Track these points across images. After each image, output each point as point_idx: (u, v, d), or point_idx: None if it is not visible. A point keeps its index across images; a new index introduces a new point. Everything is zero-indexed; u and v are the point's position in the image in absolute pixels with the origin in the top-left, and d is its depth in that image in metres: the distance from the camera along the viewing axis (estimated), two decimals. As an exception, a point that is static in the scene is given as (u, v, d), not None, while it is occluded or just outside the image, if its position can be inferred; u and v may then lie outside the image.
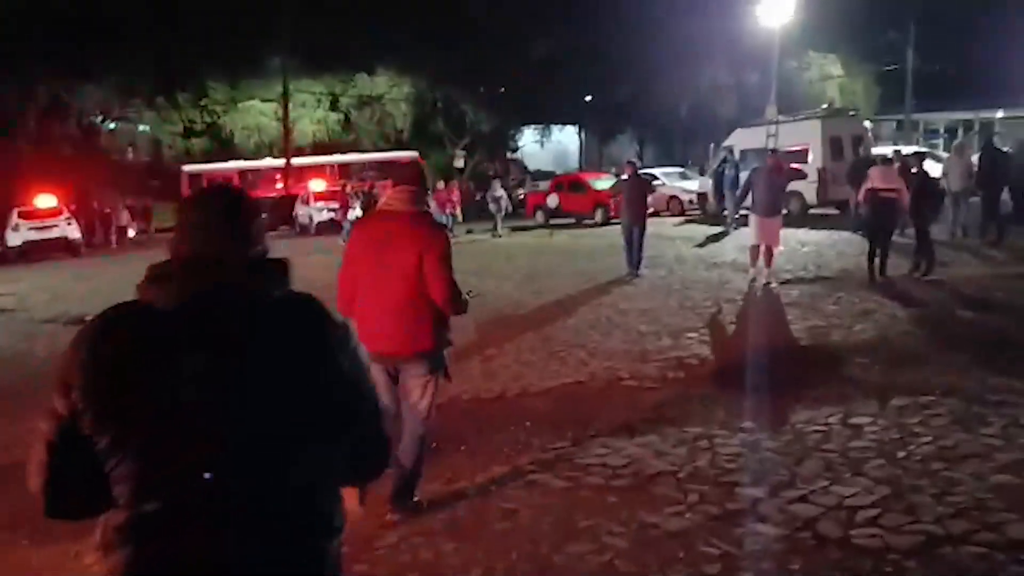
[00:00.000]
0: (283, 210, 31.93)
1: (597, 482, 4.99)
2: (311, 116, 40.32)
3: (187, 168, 35.96)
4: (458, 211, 26.08)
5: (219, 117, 40.04)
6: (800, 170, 13.56)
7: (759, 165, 12.02)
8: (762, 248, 11.58)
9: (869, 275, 11.32)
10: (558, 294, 12.10)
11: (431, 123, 42.32)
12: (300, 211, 31.77)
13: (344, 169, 36.36)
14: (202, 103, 39.47)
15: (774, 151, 12.25)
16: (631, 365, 7.70)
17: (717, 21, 34.57)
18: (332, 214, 29.19)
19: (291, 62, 36.03)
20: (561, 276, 14.04)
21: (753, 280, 11.58)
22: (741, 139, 24.15)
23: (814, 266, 12.98)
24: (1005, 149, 16.09)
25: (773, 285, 11.25)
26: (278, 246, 1.92)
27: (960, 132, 42.69)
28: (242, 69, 37.56)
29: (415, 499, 4.70)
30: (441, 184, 25.33)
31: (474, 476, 5.23)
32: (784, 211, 12.68)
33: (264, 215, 2.02)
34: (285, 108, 36.91)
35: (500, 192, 25.36)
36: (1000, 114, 44.84)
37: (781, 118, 23.43)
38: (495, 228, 24.36)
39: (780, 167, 12.18)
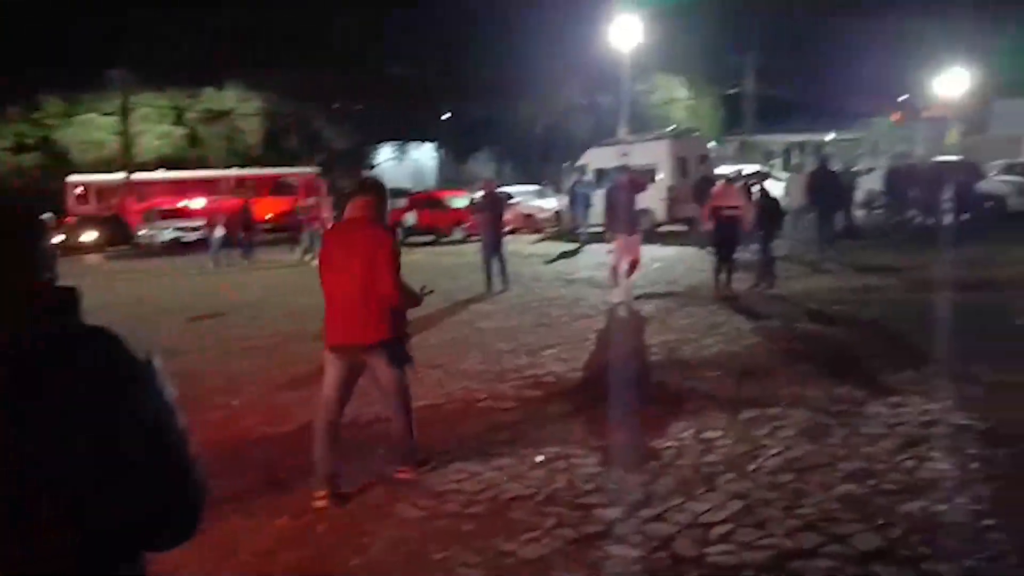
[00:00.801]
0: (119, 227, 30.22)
1: (453, 509, 4.79)
2: (154, 131, 38.45)
3: (72, 179, 33.70)
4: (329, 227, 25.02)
5: (53, 131, 37.57)
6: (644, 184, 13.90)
7: (614, 183, 12.18)
8: (624, 264, 11.71)
9: (716, 290, 11.69)
10: (414, 313, 11.83)
11: (284, 139, 41.21)
12: (144, 229, 30.12)
13: (211, 185, 34.25)
14: (34, 116, 36.96)
15: (627, 169, 12.46)
16: (488, 385, 7.56)
17: (572, 44, 35.42)
18: (180, 233, 27.81)
19: (133, 75, 34.25)
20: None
21: (619, 301, 11.55)
22: (595, 158, 24.69)
23: (665, 281, 13.31)
24: (835, 169, 17.10)
25: (628, 300, 11.41)
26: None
27: (798, 153, 45.32)
28: (80, 82, 35.42)
29: (420, 458, 5.31)
30: (312, 200, 24.52)
31: (324, 509, 4.93)
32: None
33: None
34: (124, 121, 35.00)
35: None
36: (831, 136, 47.94)
37: (632, 138, 24.12)
38: None
39: (635, 184, 12.43)
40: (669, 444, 5.61)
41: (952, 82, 39.31)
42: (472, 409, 6.90)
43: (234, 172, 35.83)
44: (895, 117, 47.09)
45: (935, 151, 31.45)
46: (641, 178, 14.72)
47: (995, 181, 20.34)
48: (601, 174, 23.75)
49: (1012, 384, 6.52)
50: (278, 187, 34.00)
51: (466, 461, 5.53)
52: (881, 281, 12.35)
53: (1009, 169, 23.45)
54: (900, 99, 47.88)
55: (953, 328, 8.79)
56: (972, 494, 4.42)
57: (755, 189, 12.66)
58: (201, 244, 26.27)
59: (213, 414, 7.16)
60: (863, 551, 3.88)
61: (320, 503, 4.90)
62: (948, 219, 16.64)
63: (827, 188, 15.46)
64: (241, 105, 39.09)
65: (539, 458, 5.47)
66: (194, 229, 28.31)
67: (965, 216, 16.70)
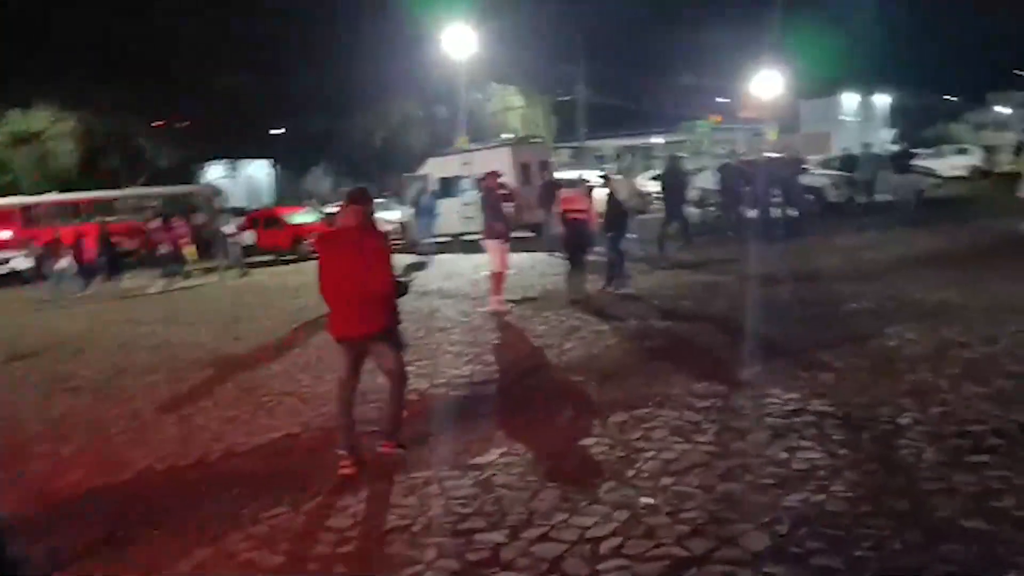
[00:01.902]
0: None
1: (323, 551, 4.42)
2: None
3: None
4: (189, 248, 22.35)
5: None
6: (509, 193, 13.72)
7: (487, 193, 11.93)
8: (496, 273, 11.46)
9: (570, 293, 11.72)
10: (261, 338, 11.23)
11: (103, 159, 38.60)
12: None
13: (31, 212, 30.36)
14: None
15: (493, 174, 12.25)
16: (348, 409, 7.15)
17: (406, 56, 35.16)
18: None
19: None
20: (263, 318, 13.13)
21: (499, 310, 11.28)
22: (435, 168, 24.51)
23: (519, 288, 13.23)
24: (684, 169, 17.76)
25: (501, 309, 11.15)
26: None
27: (629, 157, 46.91)
28: None
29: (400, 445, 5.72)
30: (159, 220, 22.71)
31: (176, 564, 4.44)
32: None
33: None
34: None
35: (232, 228, 22.62)
36: (659, 140, 49.95)
37: (473, 146, 24.10)
38: (227, 268, 21.41)
39: (504, 191, 12.30)
40: (543, 456, 5.43)
41: (765, 85, 41.80)
42: (330, 437, 6.47)
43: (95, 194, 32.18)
44: (715, 119, 49.66)
45: (755, 149, 33.29)
46: (513, 185, 14.65)
47: (814, 175, 21.63)
48: (446, 183, 23.61)
49: (858, 368, 6.78)
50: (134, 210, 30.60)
51: (332, 495, 5.16)
52: (723, 276, 12.77)
53: (825, 164, 25.07)
54: (720, 101, 50.57)
55: (795, 317, 9.14)
56: (846, 481, 4.48)
57: (603, 192, 12.81)
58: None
59: (36, 464, 6.42)
60: (754, 552, 3.82)
61: (347, 471, 5.46)
62: (777, 213, 17.51)
63: (676, 188, 16.00)
64: (53, 126, 36.26)
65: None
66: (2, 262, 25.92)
67: (792, 210, 17.62)
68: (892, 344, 7.49)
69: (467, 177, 22.33)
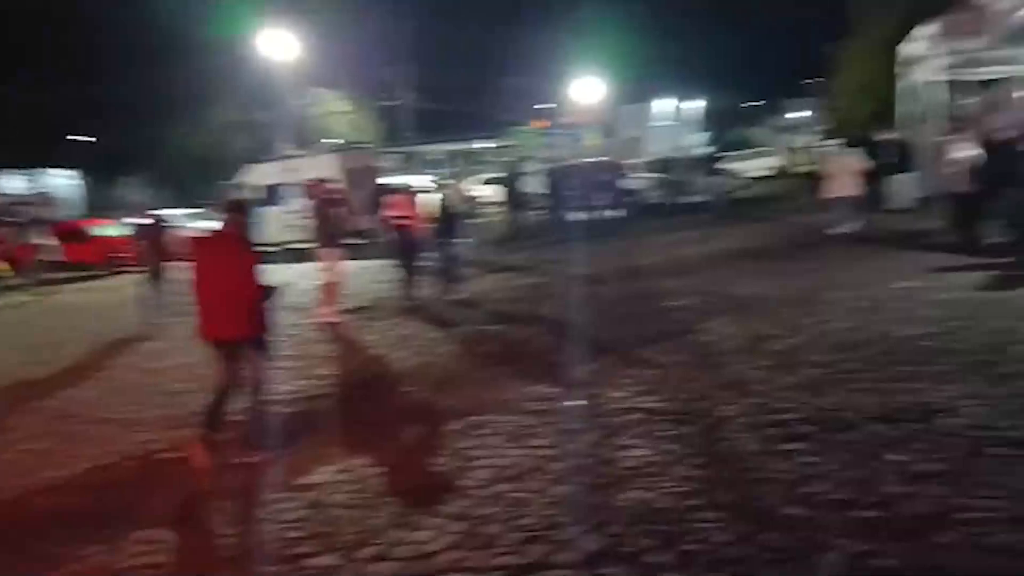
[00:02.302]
0: None
1: (140, 592, 4.09)
2: None
3: None
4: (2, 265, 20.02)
5: None
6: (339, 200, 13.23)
7: (317, 201, 11.53)
8: (330, 280, 11.09)
9: (403, 300, 11.58)
10: (73, 360, 10.38)
11: None
12: None
13: None
14: None
15: (322, 181, 11.86)
16: (169, 434, 6.69)
17: (222, 61, 33.77)
18: None
19: None
20: (73, 340, 12.16)
21: (337, 321, 10.91)
22: (257, 175, 23.65)
23: (351, 297, 12.93)
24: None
25: (334, 320, 10.82)
26: None
27: (460, 162, 47.15)
28: None
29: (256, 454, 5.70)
30: None
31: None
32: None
33: None
34: None
35: (40, 241, 20.37)
36: (487, 144, 50.49)
37: (299, 152, 23.44)
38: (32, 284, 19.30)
39: (336, 198, 11.95)
40: (378, 470, 5.30)
41: (586, 91, 43.19)
42: (153, 464, 6.06)
43: None
44: (540, 124, 50.77)
45: (579, 153, 34.31)
46: (345, 192, 14.26)
47: (634, 178, 22.57)
48: (269, 192, 22.82)
49: (681, 363, 7.06)
50: None
51: (154, 527, 4.80)
52: (553, 277, 13.02)
53: (644, 167, 26.20)
54: (543, 107, 51.78)
55: (622, 315, 9.44)
56: (674, 476, 4.63)
57: (435, 197, 12.77)
58: None
59: None
60: (588, 553, 3.86)
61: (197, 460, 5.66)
62: (604, 214, 18.11)
63: (515, 192, 16.30)
64: None
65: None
66: None
67: (617, 211, 18.29)
68: (711, 338, 7.86)
69: (291, 185, 21.68)
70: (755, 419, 5.44)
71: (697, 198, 22.90)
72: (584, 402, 6.19)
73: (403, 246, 11.82)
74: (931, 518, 3.82)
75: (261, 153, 29.08)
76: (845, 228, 14.31)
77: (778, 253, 13.30)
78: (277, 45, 29.44)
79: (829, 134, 37.54)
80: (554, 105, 50.00)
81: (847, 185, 14.60)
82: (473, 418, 6.09)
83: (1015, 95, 16.37)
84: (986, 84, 17.75)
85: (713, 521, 4.03)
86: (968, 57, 15.98)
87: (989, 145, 11.04)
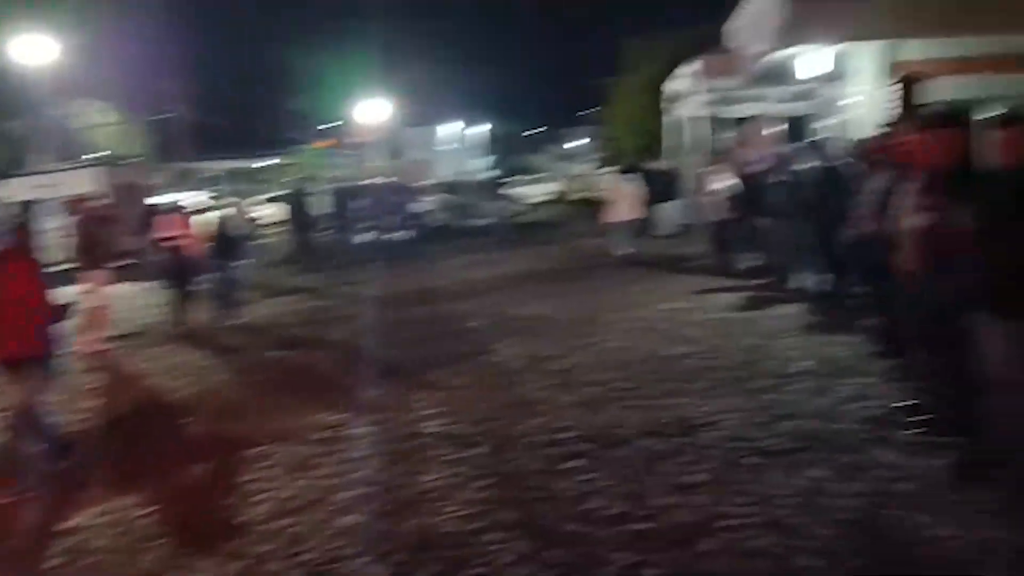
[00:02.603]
0: None
1: None
2: None
3: None
4: None
5: None
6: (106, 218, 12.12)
7: (83, 215, 10.58)
8: (94, 308, 10.16)
9: (176, 326, 10.92)
10: None
11: None
12: None
13: None
14: None
15: (87, 197, 10.92)
16: None
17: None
18: None
19: None
20: None
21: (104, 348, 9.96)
22: (9, 191, 21.54)
23: (119, 323, 12.02)
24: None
25: (86, 350, 9.93)
26: None
27: (241, 180, 45.33)
28: None
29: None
30: None
31: None
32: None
33: None
34: None
35: None
36: (269, 162, 48.93)
37: (57, 166, 21.58)
38: None
39: (106, 216, 11.03)
40: (145, 509, 4.93)
41: (373, 112, 43.01)
42: None
43: None
44: (325, 143, 49.94)
45: (364, 174, 34.05)
46: (113, 210, 13.15)
47: (422, 200, 22.70)
48: (25, 207, 20.79)
49: (467, 385, 7.15)
50: None
51: None
52: (339, 300, 12.80)
53: (431, 189, 26.42)
54: (329, 127, 50.97)
55: (409, 338, 9.43)
56: (460, 500, 4.65)
57: (211, 216, 12.15)
58: None
59: None
60: (379, 585, 3.79)
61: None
62: (391, 236, 18.03)
63: (302, 212, 15.87)
64: None
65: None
66: None
67: (404, 232, 18.29)
68: (497, 360, 8.01)
69: (48, 201, 19.90)
70: (538, 438, 5.58)
71: (482, 221, 23.41)
72: (370, 428, 6.10)
73: (176, 268, 11.15)
74: (696, 527, 4.08)
75: (13, 167, 26.52)
76: (626, 250, 15.26)
77: (559, 276, 13.83)
78: (34, 52, 26.98)
79: (604, 162, 39.72)
80: (339, 124, 49.37)
81: (626, 210, 15.62)
82: (253, 449, 5.84)
83: (765, 131, 18.09)
84: (741, 120, 19.49)
85: (498, 542, 4.08)
86: (723, 95, 17.48)
87: (743, 176, 12.09)
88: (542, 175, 46.07)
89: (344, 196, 19.59)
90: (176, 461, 5.86)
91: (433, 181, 31.75)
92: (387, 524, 4.42)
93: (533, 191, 39.33)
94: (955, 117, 4.78)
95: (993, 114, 4.38)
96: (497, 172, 39.55)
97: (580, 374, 7.24)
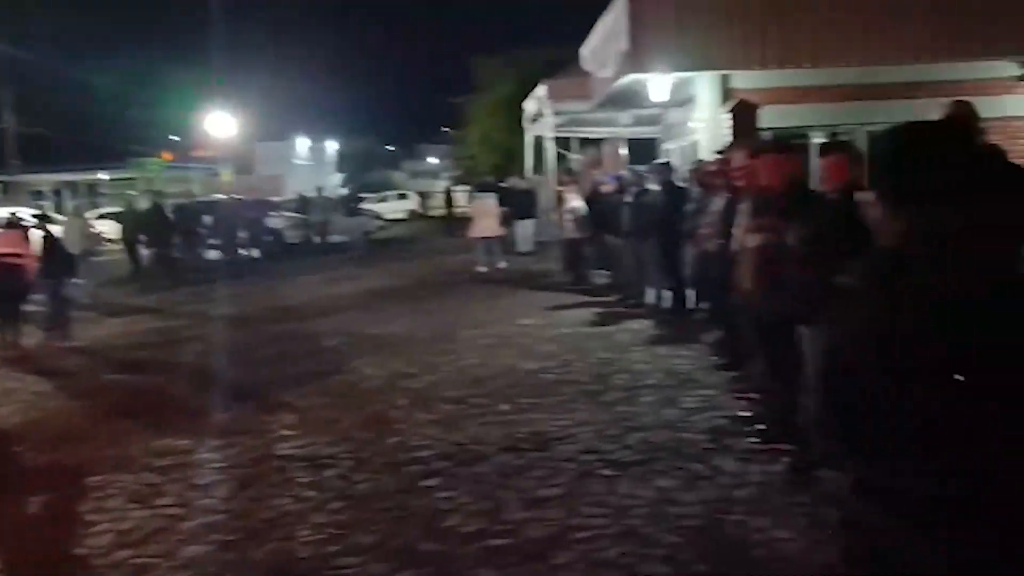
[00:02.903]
0: None
1: None
2: None
3: None
4: None
5: None
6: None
7: None
8: None
9: (4, 349, 10.17)
10: None
11: None
12: None
13: None
14: None
15: None
16: None
17: None
18: None
19: None
20: None
21: None
22: None
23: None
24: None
25: None
26: None
27: (71, 194, 42.77)
28: None
29: None
30: None
31: None
32: None
33: None
34: None
35: None
36: (105, 176, 46.37)
37: None
38: None
39: None
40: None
41: (219, 125, 41.55)
42: None
43: None
44: (167, 156, 47.83)
45: (215, 189, 32.85)
46: None
47: (273, 217, 22.10)
48: None
49: (321, 406, 7.00)
50: None
51: None
52: (185, 319, 12.28)
53: (285, 205, 25.80)
54: (174, 139, 48.91)
55: (260, 359, 9.15)
56: (313, 524, 4.54)
57: (39, 233, 11.36)
58: None
59: None
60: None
61: None
62: (242, 253, 17.45)
63: (161, 226, 15.17)
64: None
65: None
66: None
67: (256, 249, 17.74)
68: (353, 379, 7.90)
69: None
70: (394, 458, 5.55)
71: (338, 238, 23.07)
72: (218, 453, 5.88)
73: (3, 287, 10.37)
74: (551, 540, 4.16)
75: None
76: (490, 265, 15.70)
77: (417, 293, 13.79)
78: None
79: (461, 180, 40.03)
80: (186, 138, 47.48)
81: (489, 227, 16.10)
82: (91, 479, 5.50)
83: (614, 152, 18.75)
84: (592, 141, 20.13)
85: (353, 565, 4.02)
86: (575, 117, 18.01)
87: (593, 196, 12.47)
88: (399, 191, 45.93)
89: (192, 211, 18.82)
90: (9, 492, 5.45)
91: (287, 197, 31.01)
92: (237, 552, 4.27)
93: (390, 207, 39.17)
94: (783, 144, 5.12)
95: (818, 142, 4.73)
96: (354, 188, 39.10)
97: (438, 391, 7.24)
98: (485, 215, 16.29)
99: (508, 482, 4.98)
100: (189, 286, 16.13)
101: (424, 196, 43.72)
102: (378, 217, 31.29)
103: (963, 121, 3.55)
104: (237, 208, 18.16)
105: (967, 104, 3.62)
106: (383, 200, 40.55)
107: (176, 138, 48.31)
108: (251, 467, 5.56)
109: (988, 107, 10.40)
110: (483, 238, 16.11)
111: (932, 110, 4.10)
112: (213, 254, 17.68)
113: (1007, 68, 10.90)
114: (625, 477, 4.90)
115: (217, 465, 5.65)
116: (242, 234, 17.24)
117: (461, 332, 9.87)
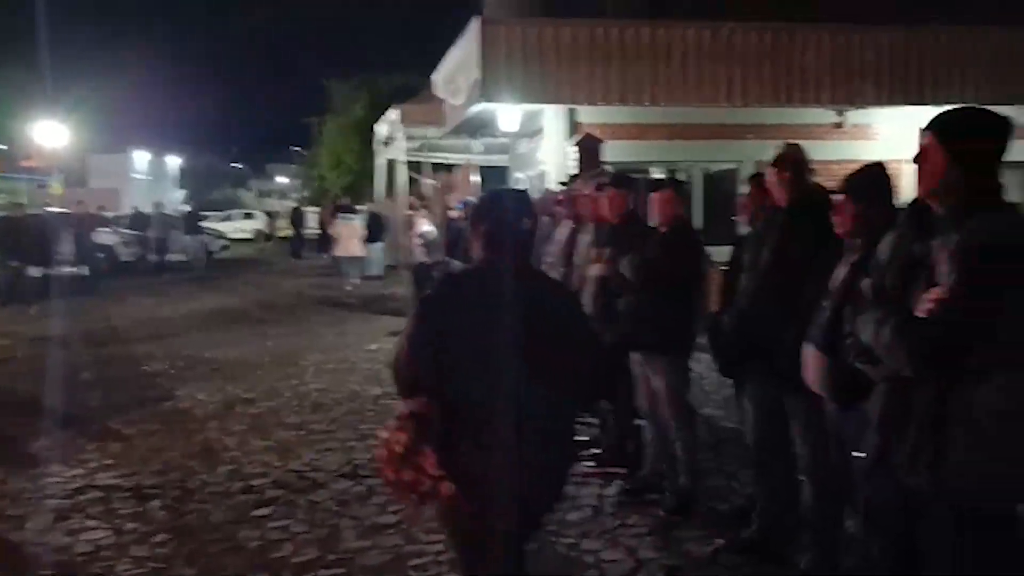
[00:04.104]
0: None
1: None
2: None
3: None
4: None
5: None
6: None
7: None
8: None
9: None
10: None
11: None
12: None
13: None
14: None
15: None
16: None
17: None
18: None
19: None
20: None
21: None
22: None
23: None
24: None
25: None
26: None
27: None
28: None
29: None
30: None
31: None
32: None
33: None
34: None
35: None
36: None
37: None
38: None
39: None
40: None
41: (49, 134, 39.01)
42: None
43: None
44: (-8, 165, 44.54)
45: (41, 201, 30.73)
46: None
47: (105, 233, 20.82)
48: None
49: (149, 433, 6.65)
50: None
51: None
52: (2, 340, 11.38)
53: (120, 221, 24.43)
54: (-1, 147, 45.56)
55: (86, 383, 8.60)
56: (134, 558, 4.30)
57: None
58: None
59: None
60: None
61: None
62: (70, 270, 16.37)
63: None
64: None
65: None
66: None
67: (81, 267, 16.69)
68: (186, 405, 7.55)
69: None
70: (226, 487, 5.34)
71: (177, 257, 22.09)
72: (33, 484, 5.48)
73: None
74: (387, 568, 4.11)
75: None
76: (351, 284, 16.29)
77: (260, 315, 13.39)
78: None
79: (311, 201, 39.22)
80: (14, 147, 44.29)
81: (350, 247, 16.90)
82: None
83: (467, 178, 18.93)
84: (446, 167, 20.26)
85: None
86: (427, 143, 18.07)
87: (443, 221, 12.53)
88: (245, 211, 44.53)
89: (15, 224, 17.45)
90: None
91: (123, 212, 29.39)
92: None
93: (235, 227, 37.89)
94: (622, 179, 5.34)
95: (653, 178, 4.96)
96: (197, 205, 37.55)
97: (276, 418, 7.04)
98: (351, 235, 16.98)
99: (345, 510, 4.89)
100: (6, 305, 14.96)
101: (271, 216, 42.52)
102: (221, 236, 30.18)
103: (794, 161, 3.81)
104: (62, 222, 17.01)
105: (797, 146, 3.88)
106: (228, 219, 39.19)
107: (3, 147, 44.99)
108: (69, 498, 5.20)
109: (810, 150, 11.40)
110: (348, 257, 16.94)
111: (761, 150, 4.40)
112: (34, 271, 16.45)
113: (826, 115, 11.80)
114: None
115: (31, 496, 5.26)
116: (67, 249, 16.14)
117: (305, 356, 9.65)
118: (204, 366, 9.26)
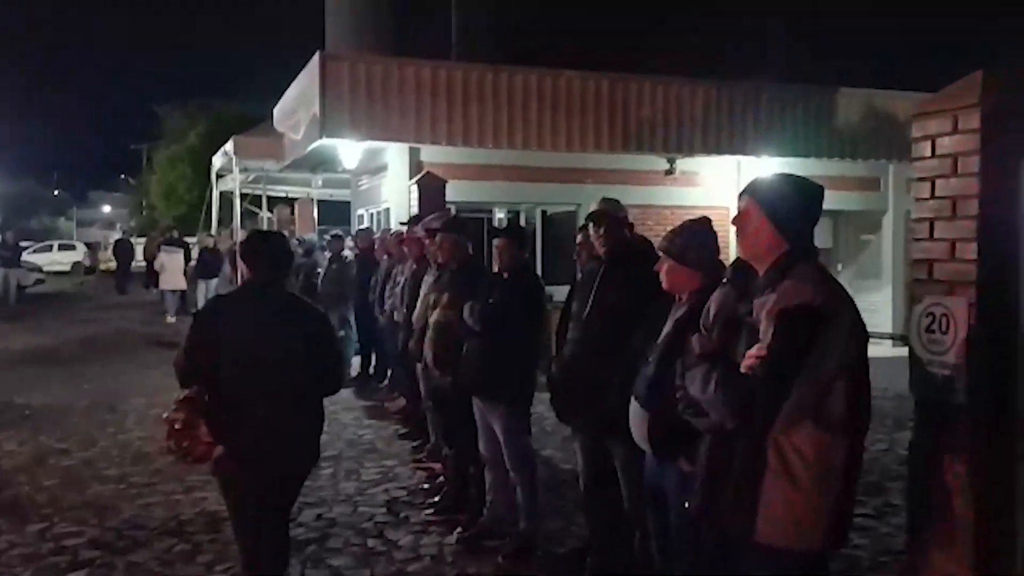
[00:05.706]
0: None
1: None
2: None
3: None
4: None
5: None
6: None
7: None
8: None
9: None
10: None
11: None
12: None
13: None
14: None
15: None
16: None
17: None
18: None
19: None
20: None
21: None
22: None
23: None
24: None
25: None
26: None
27: None
28: None
29: None
30: None
31: None
32: None
33: None
34: None
35: None
36: None
37: None
38: None
39: None
40: None
41: None
42: None
43: None
44: None
45: None
46: None
47: None
48: None
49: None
50: None
51: None
52: None
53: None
54: None
55: None
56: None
57: None
58: None
59: None
60: None
61: None
62: None
63: None
64: None
65: None
66: None
67: None
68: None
69: None
70: (35, 548, 4.89)
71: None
72: None
73: None
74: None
75: None
76: (171, 319, 16.18)
77: (78, 355, 12.50)
78: None
79: (140, 232, 37.23)
80: None
81: (173, 280, 16.89)
82: None
83: (308, 213, 18.55)
84: (286, 200, 19.74)
85: None
86: (266, 175, 17.55)
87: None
88: (65, 241, 41.63)
89: None
90: None
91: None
92: None
93: (53, 258, 35.33)
94: (460, 223, 5.37)
95: (494, 224, 5.01)
96: (11, 235, 34.84)
97: (94, 470, 6.55)
98: (175, 268, 16.90)
99: (169, 570, 4.59)
100: None
101: (94, 248, 39.89)
102: (37, 269, 28.05)
103: (608, 217, 3.93)
104: None
105: (615, 201, 4.01)
106: (46, 250, 36.53)
107: None
108: None
109: (642, 195, 11.91)
110: (172, 291, 16.88)
111: (599, 193, 4.55)
112: None
113: (659, 162, 12.37)
114: (297, 558, 4.69)
115: None
116: None
117: (126, 401, 9.07)
118: (13, 412, 8.54)
